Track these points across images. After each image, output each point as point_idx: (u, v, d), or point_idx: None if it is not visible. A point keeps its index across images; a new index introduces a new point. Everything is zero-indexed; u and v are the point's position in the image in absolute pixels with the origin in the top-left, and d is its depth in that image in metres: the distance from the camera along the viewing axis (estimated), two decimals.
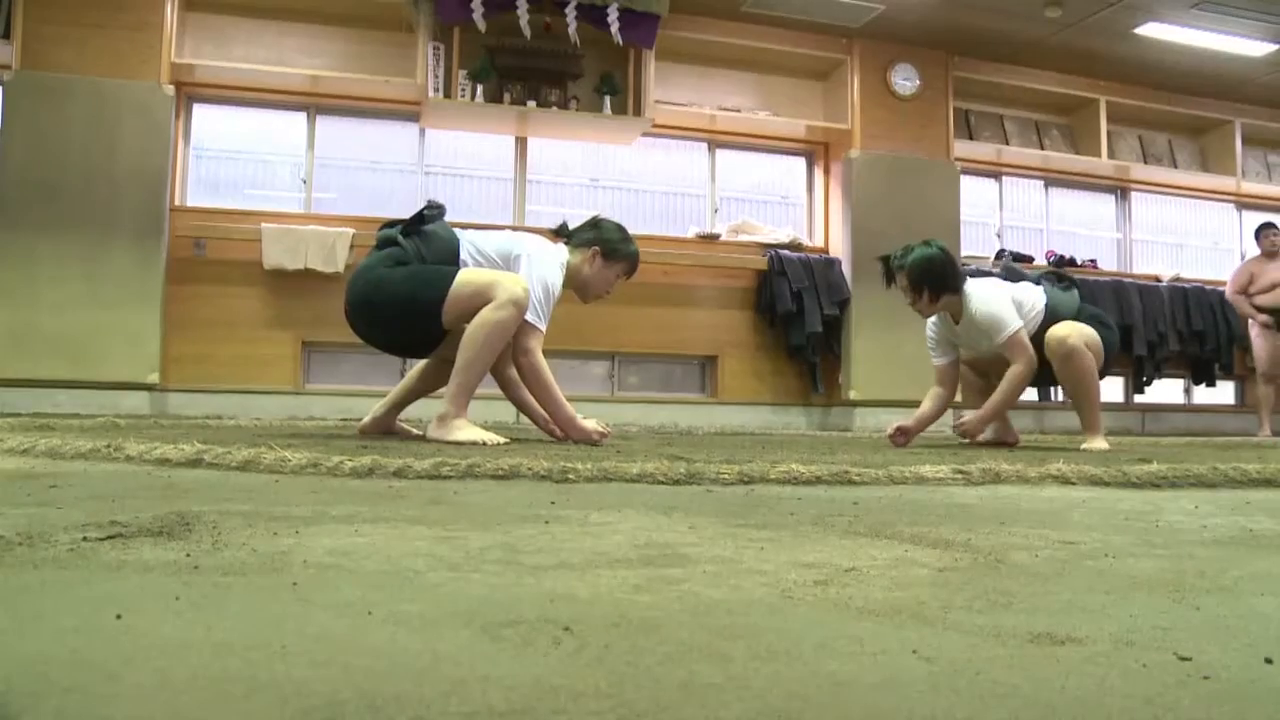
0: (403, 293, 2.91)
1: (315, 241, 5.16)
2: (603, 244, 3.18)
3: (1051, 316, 3.62)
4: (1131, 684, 0.64)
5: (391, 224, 3.16)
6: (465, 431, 2.86)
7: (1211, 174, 7.17)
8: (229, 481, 1.72)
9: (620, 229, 3.28)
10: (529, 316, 2.93)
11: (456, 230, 3.12)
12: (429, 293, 2.90)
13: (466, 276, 2.91)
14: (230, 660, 0.63)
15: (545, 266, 3.03)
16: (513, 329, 2.90)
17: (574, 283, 3.19)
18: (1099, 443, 3.54)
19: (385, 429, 3.26)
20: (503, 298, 2.83)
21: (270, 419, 4.65)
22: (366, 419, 3.29)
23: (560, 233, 3.30)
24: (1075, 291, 3.78)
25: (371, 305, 2.97)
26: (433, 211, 3.13)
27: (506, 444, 2.75)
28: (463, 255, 3.02)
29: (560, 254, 3.15)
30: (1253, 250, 6.55)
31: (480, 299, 2.85)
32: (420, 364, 3.34)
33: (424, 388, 3.31)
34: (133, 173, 4.91)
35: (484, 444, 2.72)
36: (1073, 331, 3.52)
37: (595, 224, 3.27)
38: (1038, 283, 3.77)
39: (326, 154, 5.69)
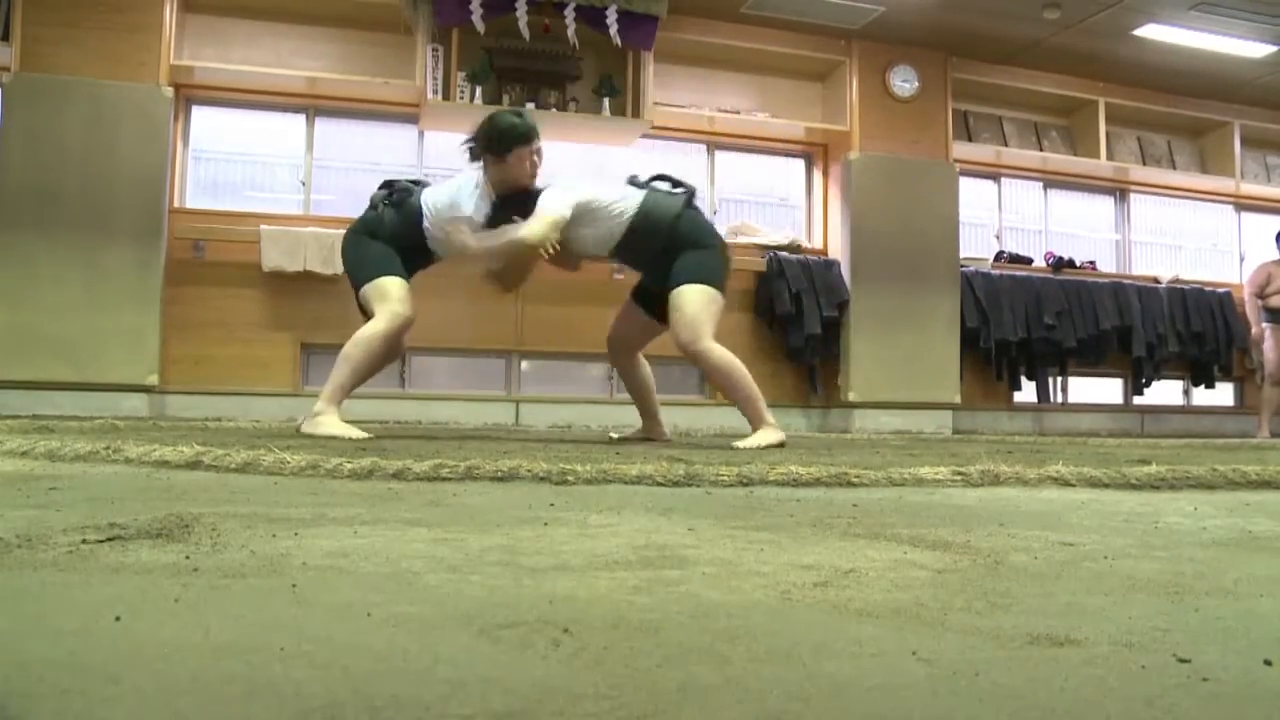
0: (351, 267, 3.57)
1: (314, 243, 5.16)
2: (487, 145, 3.41)
3: (646, 218, 3.36)
4: (1131, 686, 0.64)
5: (390, 183, 3.60)
6: (330, 427, 3.23)
7: (1210, 175, 7.17)
8: (228, 483, 1.72)
9: (491, 120, 3.47)
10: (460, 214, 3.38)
11: (422, 195, 3.51)
12: (359, 275, 3.51)
13: (377, 285, 3.45)
14: (229, 662, 0.63)
15: (459, 199, 3.41)
16: (387, 340, 3.47)
17: (500, 189, 3.46)
18: (767, 435, 3.28)
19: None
20: (381, 313, 3.44)
21: (269, 421, 4.65)
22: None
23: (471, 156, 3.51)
24: (684, 198, 3.45)
25: (343, 261, 3.65)
26: (414, 191, 3.54)
27: (367, 438, 3.09)
28: (424, 220, 3.46)
29: (466, 181, 3.45)
30: (1254, 253, 6.55)
31: (372, 307, 3.47)
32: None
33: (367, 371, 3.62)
34: (132, 175, 4.91)
35: (348, 438, 3.07)
36: (692, 324, 3.27)
37: (475, 136, 3.46)
38: (642, 187, 3.49)
39: (325, 156, 5.69)
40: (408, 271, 3.53)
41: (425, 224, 3.46)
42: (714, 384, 3.42)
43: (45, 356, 4.74)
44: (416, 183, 3.63)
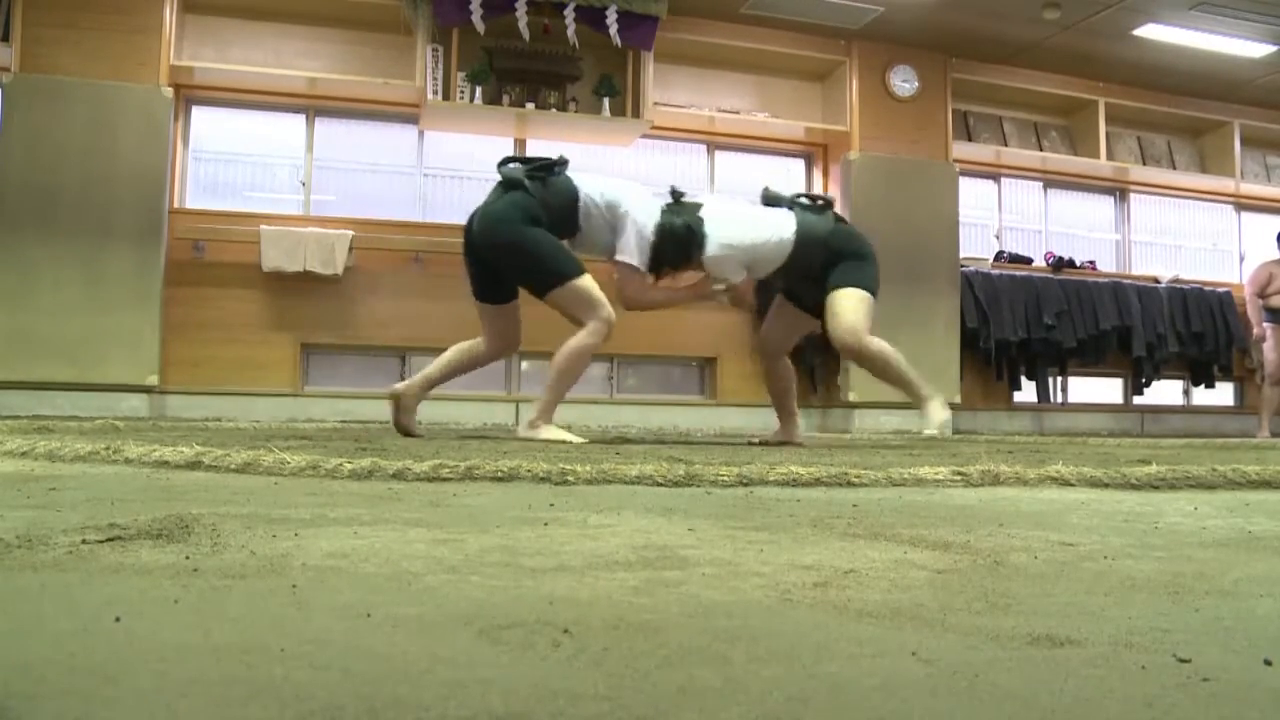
0: (529, 252, 3.26)
1: (314, 243, 5.16)
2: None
3: (804, 241, 3.46)
4: (1131, 686, 0.64)
5: (511, 160, 3.43)
6: (551, 433, 3.24)
7: (1210, 175, 7.17)
8: (228, 484, 1.72)
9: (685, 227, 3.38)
10: (628, 259, 3.35)
11: (576, 181, 3.37)
12: (552, 267, 3.27)
13: (584, 286, 3.29)
14: (229, 663, 0.63)
15: (644, 216, 3.35)
16: (595, 349, 3.33)
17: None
18: (936, 410, 3.51)
19: (408, 409, 3.47)
20: (592, 328, 3.28)
21: (269, 421, 4.65)
22: (401, 385, 3.53)
23: (672, 194, 3.51)
24: (830, 213, 3.63)
25: (495, 248, 3.30)
26: (560, 168, 3.40)
27: (584, 443, 3.09)
28: (581, 205, 3.33)
29: (656, 209, 3.39)
30: (1253, 253, 6.55)
31: (580, 311, 3.28)
32: (463, 344, 3.58)
33: (461, 368, 3.56)
34: (132, 175, 4.91)
35: (569, 442, 3.07)
36: (851, 325, 3.44)
37: (680, 200, 3.46)
38: (790, 207, 3.59)
39: (325, 156, 5.69)
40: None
41: (581, 206, 3.35)
42: (874, 375, 3.62)
43: (45, 357, 4.74)
44: (547, 163, 3.43)
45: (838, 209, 6.15)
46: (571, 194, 3.33)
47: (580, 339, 3.29)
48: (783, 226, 3.46)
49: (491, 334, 3.52)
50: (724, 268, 3.40)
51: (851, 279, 3.48)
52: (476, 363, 3.56)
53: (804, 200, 3.64)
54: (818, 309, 3.56)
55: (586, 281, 3.30)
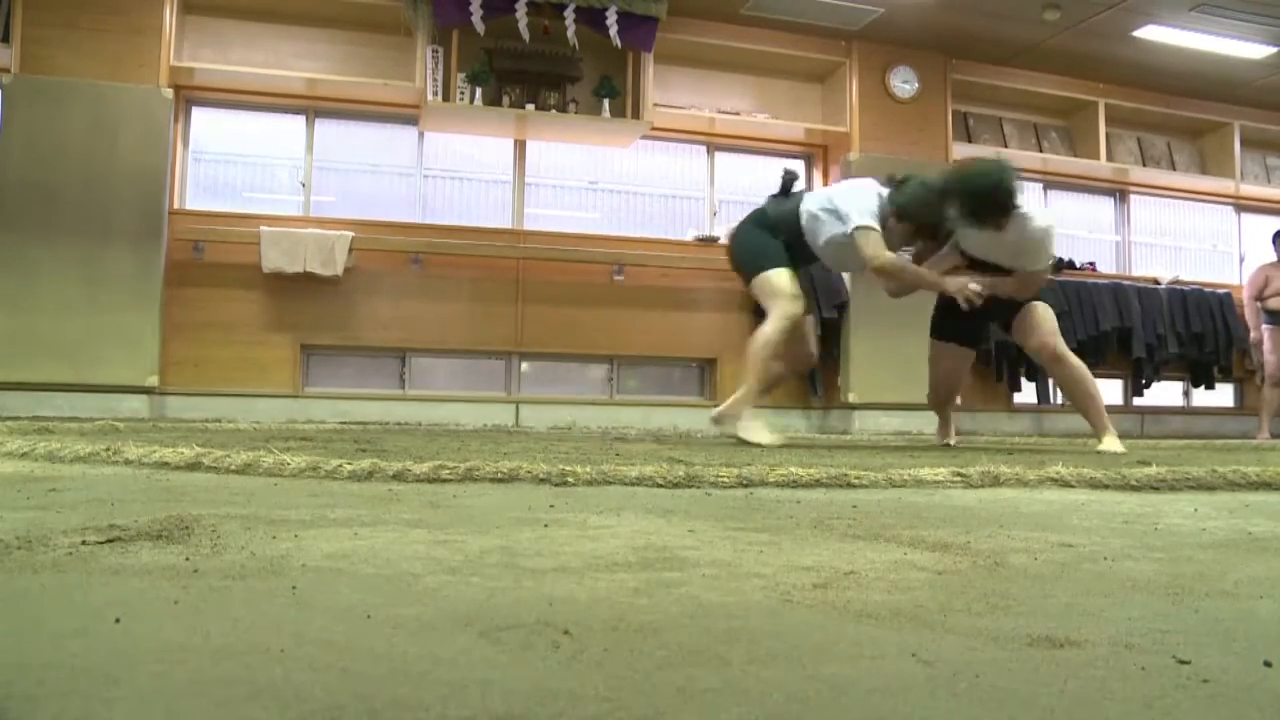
0: (742, 250, 3.76)
1: (314, 244, 5.16)
2: (899, 207, 3.55)
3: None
4: (1130, 687, 0.64)
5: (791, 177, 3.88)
6: (756, 434, 3.48)
7: (1210, 176, 7.17)
8: (228, 485, 1.72)
9: (926, 193, 3.52)
10: (865, 220, 3.49)
11: (803, 195, 3.74)
12: (747, 267, 3.71)
13: (766, 279, 3.59)
14: (229, 664, 0.63)
15: (863, 198, 3.55)
16: (785, 337, 3.54)
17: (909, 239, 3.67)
18: (1112, 443, 3.56)
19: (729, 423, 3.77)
20: (773, 311, 3.53)
21: (269, 422, 4.65)
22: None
23: (888, 183, 3.65)
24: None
25: (731, 252, 3.85)
26: (789, 178, 3.84)
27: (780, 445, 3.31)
28: (803, 218, 3.66)
29: (874, 194, 3.59)
30: (1253, 254, 6.55)
31: (766, 300, 3.60)
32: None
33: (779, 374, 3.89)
34: (131, 176, 4.91)
35: (767, 444, 3.32)
36: (1057, 336, 3.64)
37: (905, 181, 3.59)
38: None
39: (325, 157, 5.69)
40: (804, 262, 3.74)
41: (804, 223, 3.64)
42: (1064, 388, 3.81)
43: (45, 358, 4.74)
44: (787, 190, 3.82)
45: None
46: (795, 206, 3.74)
47: (764, 327, 3.58)
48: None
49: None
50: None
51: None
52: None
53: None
54: (1006, 319, 3.76)
55: (772, 276, 3.59)
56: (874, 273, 3.56)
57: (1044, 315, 3.67)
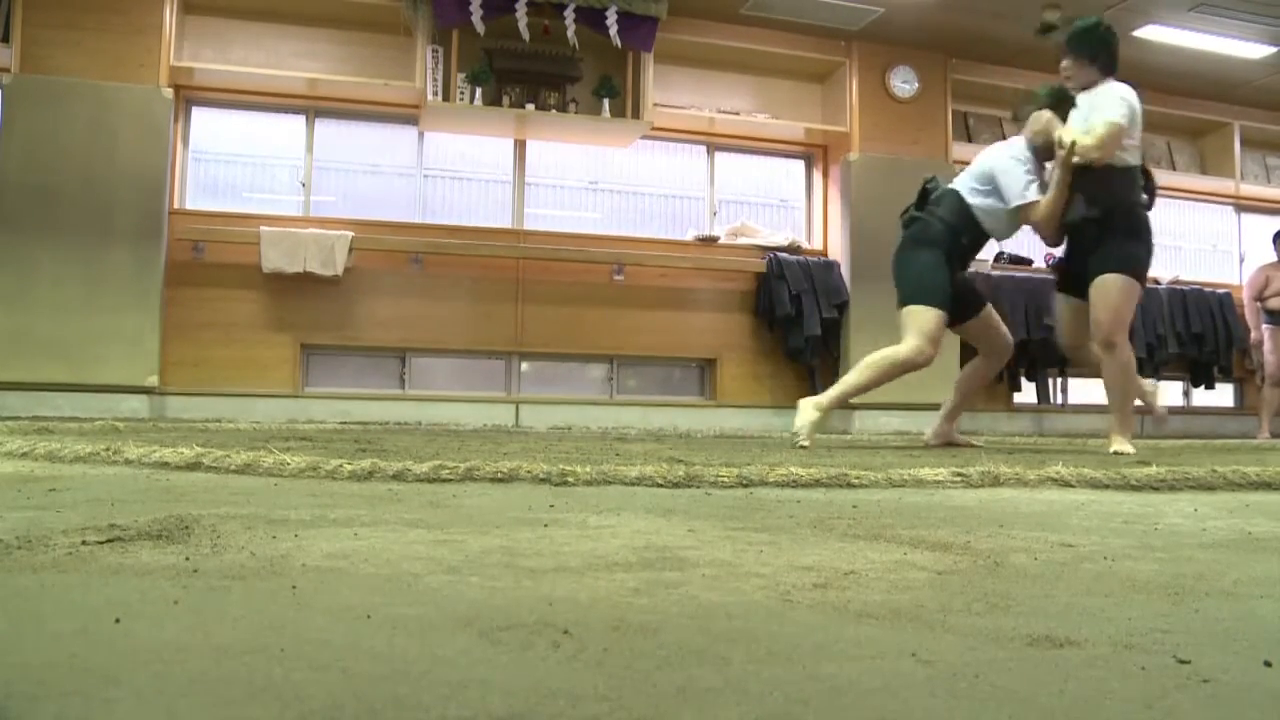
0: (902, 276, 3.63)
1: (314, 245, 5.16)
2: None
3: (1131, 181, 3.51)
4: (1131, 687, 0.64)
5: (925, 189, 3.77)
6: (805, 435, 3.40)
7: (1210, 176, 7.16)
8: (228, 485, 1.72)
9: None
10: (1025, 196, 3.53)
11: (945, 191, 3.66)
12: (903, 291, 3.60)
13: (914, 314, 3.51)
14: (229, 664, 0.63)
15: (1011, 162, 3.58)
16: (901, 369, 3.49)
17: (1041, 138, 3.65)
18: (1123, 444, 3.46)
19: (946, 440, 3.81)
20: (908, 342, 3.49)
21: (269, 422, 4.66)
22: (928, 433, 3.90)
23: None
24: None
25: (893, 271, 3.70)
26: (931, 185, 3.71)
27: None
28: (966, 200, 3.60)
29: (1015, 145, 3.65)
30: (1253, 254, 6.55)
31: (906, 331, 3.51)
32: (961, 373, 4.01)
33: (962, 394, 3.90)
34: (131, 176, 4.91)
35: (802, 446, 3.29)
36: (1117, 320, 3.37)
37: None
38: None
39: (325, 157, 5.69)
40: (960, 265, 3.69)
41: (973, 203, 3.59)
42: (1106, 376, 3.51)
43: (45, 358, 4.74)
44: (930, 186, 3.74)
45: (837, 211, 6.24)
46: (954, 197, 3.69)
47: (891, 349, 3.56)
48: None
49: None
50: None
51: (1127, 264, 3.39)
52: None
53: None
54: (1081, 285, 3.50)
55: (922, 314, 3.54)
56: (1041, 225, 3.61)
57: (1118, 289, 3.37)
